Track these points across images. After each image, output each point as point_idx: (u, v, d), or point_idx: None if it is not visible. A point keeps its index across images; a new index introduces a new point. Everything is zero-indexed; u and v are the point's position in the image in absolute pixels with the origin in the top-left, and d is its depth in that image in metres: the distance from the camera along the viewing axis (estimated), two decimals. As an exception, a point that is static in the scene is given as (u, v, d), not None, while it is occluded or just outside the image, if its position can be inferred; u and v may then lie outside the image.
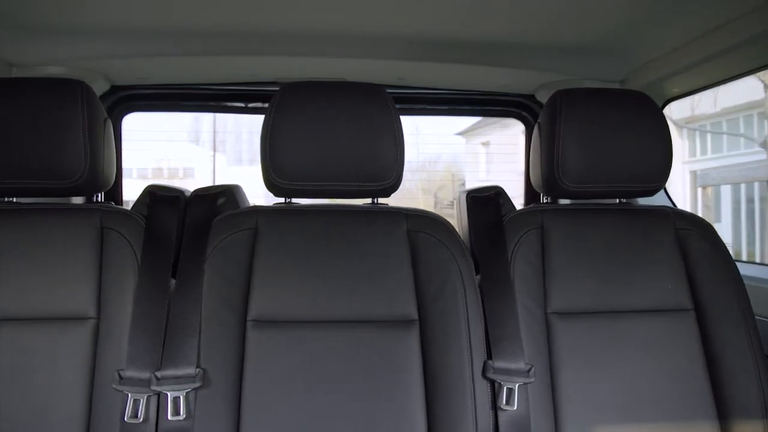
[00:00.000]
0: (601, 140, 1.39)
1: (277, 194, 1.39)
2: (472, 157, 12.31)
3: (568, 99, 1.41)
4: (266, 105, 2.21)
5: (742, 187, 6.11)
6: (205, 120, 10.47)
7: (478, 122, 11.22)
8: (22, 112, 1.28)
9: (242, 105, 2.26)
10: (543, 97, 2.14)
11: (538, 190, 1.52)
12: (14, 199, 1.39)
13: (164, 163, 9.87)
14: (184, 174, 10.11)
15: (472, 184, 11.73)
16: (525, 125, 2.35)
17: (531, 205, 1.50)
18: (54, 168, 1.28)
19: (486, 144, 12.13)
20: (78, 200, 1.71)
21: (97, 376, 1.23)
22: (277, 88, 2.13)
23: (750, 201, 5.99)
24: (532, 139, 1.50)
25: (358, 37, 1.76)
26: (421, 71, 1.98)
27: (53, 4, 1.52)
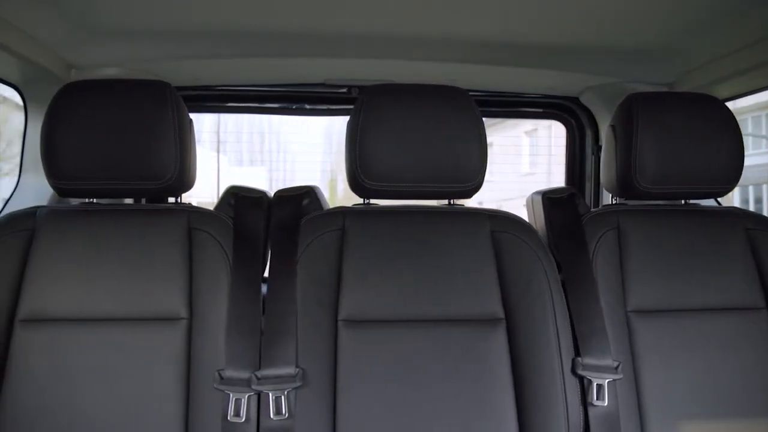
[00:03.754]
0: (676, 142, 1.42)
1: (362, 195, 1.41)
2: (474, 158, 12.29)
3: (643, 102, 1.44)
4: (312, 107, 2.23)
5: (750, 188, 6.18)
6: (205, 120, 10.41)
7: (480, 123, 11.20)
8: (114, 113, 1.29)
9: (289, 106, 2.27)
10: (587, 100, 2.17)
11: (609, 191, 1.54)
12: (94, 200, 1.39)
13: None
14: (186, 175, 10.02)
15: (474, 184, 11.71)
16: (566, 128, 2.37)
17: (604, 206, 1.52)
18: (148, 169, 1.29)
19: (489, 145, 12.13)
20: (128, 201, 1.71)
21: (193, 376, 1.24)
22: (325, 90, 2.16)
23: (758, 201, 6.07)
24: (605, 141, 1.53)
25: (409, 40, 1.77)
26: (473, 74, 2.00)
27: (113, 6, 1.52)
